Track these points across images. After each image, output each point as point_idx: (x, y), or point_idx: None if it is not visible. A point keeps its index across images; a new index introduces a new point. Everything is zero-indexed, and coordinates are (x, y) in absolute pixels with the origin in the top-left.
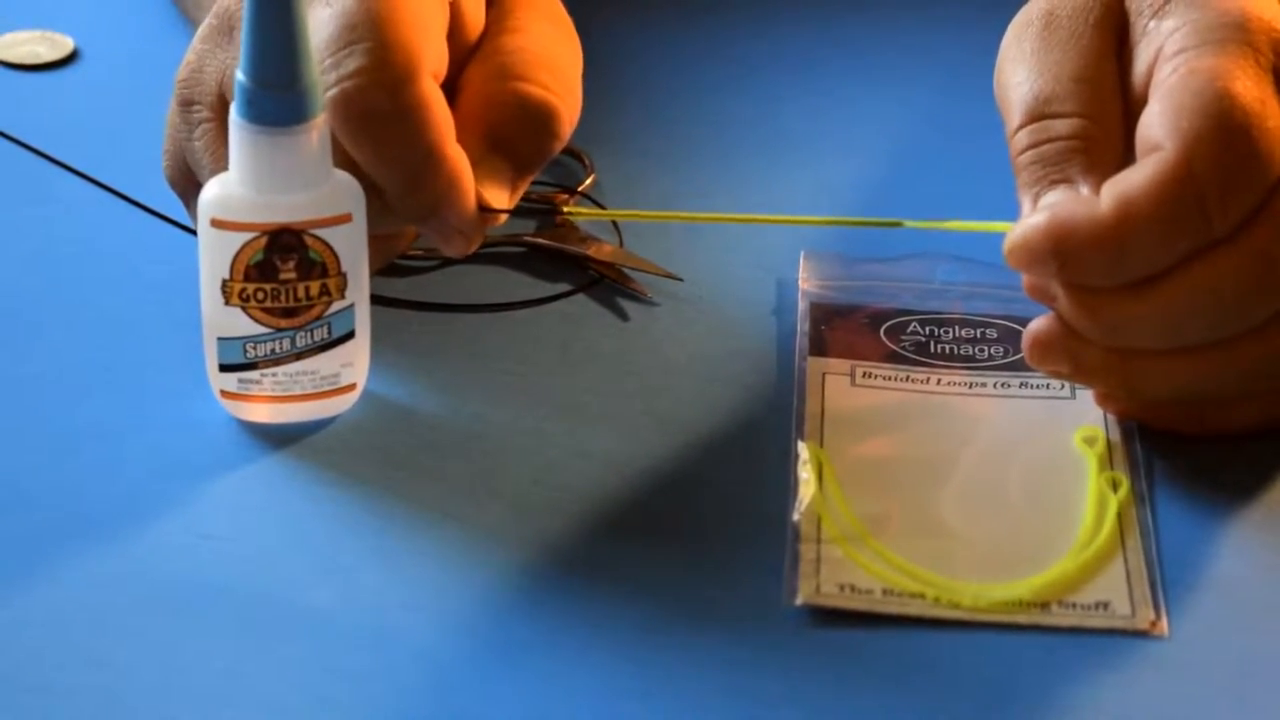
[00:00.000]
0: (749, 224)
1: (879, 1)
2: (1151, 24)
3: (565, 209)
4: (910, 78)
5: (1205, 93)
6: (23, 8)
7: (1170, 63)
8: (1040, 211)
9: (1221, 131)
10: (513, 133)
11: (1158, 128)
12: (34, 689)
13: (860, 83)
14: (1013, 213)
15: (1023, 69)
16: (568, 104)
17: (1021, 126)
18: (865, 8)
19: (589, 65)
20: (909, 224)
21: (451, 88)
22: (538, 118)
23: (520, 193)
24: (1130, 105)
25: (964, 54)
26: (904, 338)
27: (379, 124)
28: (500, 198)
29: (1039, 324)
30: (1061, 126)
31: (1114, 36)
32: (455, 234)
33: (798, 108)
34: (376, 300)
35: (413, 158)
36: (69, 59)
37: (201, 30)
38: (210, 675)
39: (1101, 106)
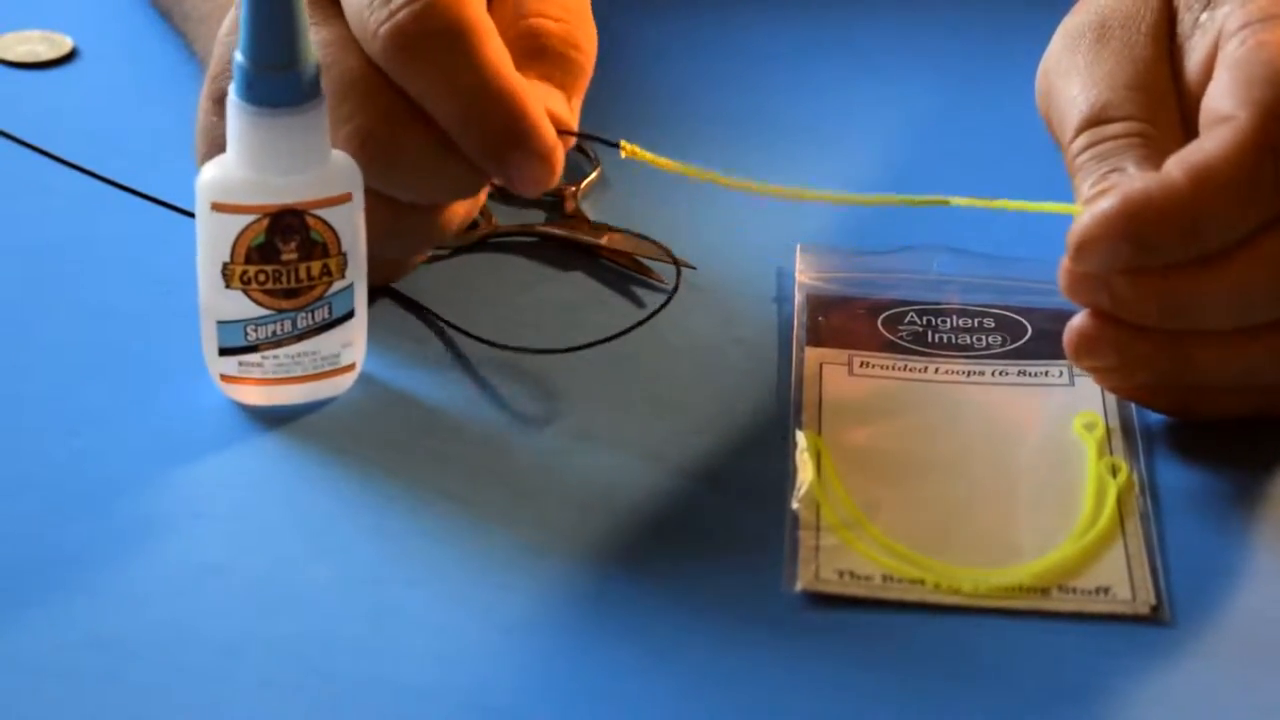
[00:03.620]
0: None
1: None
2: (1204, 15)
3: (623, 144)
4: (913, 75)
5: (1276, 62)
6: (23, 7)
7: (1235, 38)
8: (1106, 196)
9: None
10: (541, 67)
11: (1227, 98)
12: (33, 669)
13: (865, 79)
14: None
15: (1076, 83)
16: (581, 28)
17: (1077, 137)
18: (869, 5)
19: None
20: (955, 202)
21: None
22: (560, 47)
23: (576, 116)
24: (1185, 106)
25: (967, 52)
26: (901, 328)
27: (440, 48)
28: (565, 116)
29: (1081, 319)
30: (1117, 128)
31: (1167, 41)
32: (537, 161)
33: (801, 104)
34: (391, 293)
35: (480, 77)
36: (68, 58)
37: (226, 25)
38: (209, 653)
39: (1157, 111)
